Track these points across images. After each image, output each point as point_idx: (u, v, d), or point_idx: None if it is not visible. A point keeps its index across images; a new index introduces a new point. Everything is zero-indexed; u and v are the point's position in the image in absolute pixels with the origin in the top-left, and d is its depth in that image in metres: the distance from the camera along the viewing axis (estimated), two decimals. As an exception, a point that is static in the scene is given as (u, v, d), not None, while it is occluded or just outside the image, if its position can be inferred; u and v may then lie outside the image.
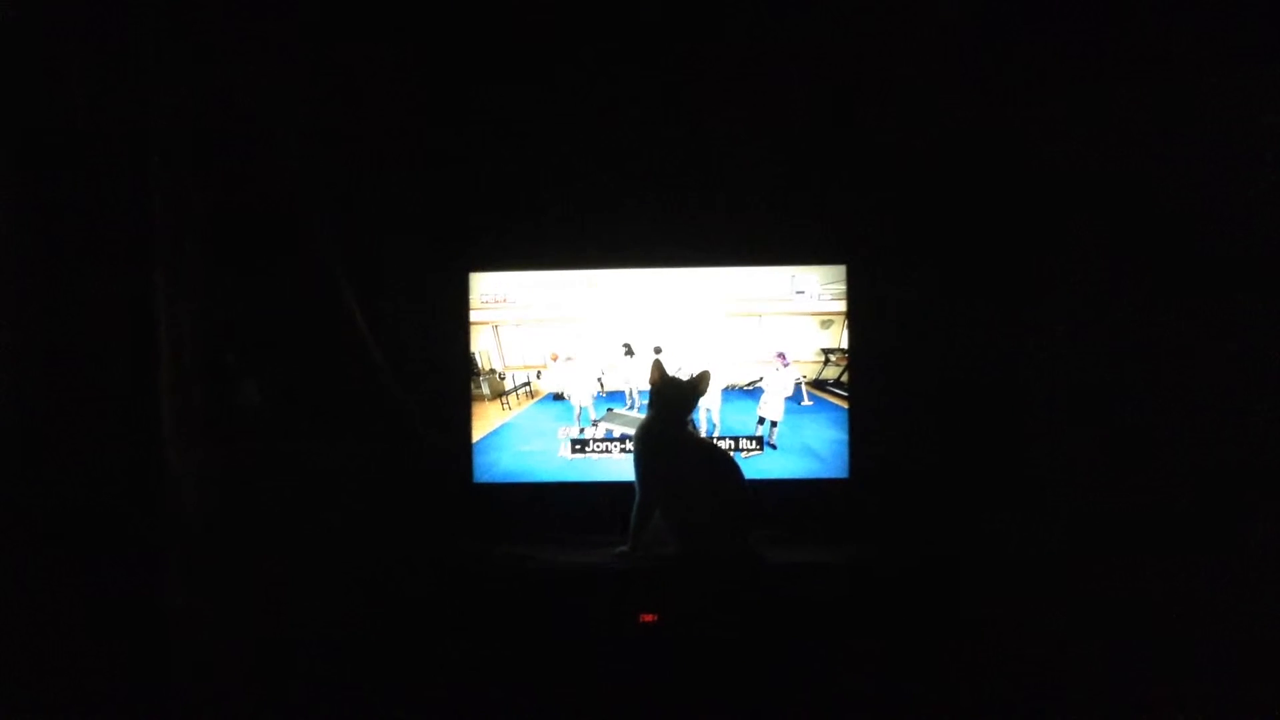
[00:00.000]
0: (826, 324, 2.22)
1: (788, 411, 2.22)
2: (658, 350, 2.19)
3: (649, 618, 1.94)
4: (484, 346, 2.23)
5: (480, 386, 2.23)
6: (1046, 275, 2.11)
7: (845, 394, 2.21)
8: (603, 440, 2.23)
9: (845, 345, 2.21)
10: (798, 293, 2.22)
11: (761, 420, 2.23)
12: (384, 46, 2.17)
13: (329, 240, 1.97)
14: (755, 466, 2.20)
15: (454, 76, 2.28)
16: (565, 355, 2.23)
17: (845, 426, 2.21)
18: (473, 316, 2.22)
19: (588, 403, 2.23)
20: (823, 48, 2.27)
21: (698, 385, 2.02)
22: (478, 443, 2.22)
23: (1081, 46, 2.05)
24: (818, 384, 2.23)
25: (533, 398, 2.24)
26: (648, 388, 2.04)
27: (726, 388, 2.22)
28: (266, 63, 1.88)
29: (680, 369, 2.10)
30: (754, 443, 2.23)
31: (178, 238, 1.63)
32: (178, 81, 1.64)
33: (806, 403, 2.22)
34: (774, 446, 2.22)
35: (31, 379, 1.48)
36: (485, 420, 2.23)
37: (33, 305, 1.48)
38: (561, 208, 2.31)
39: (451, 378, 2.23)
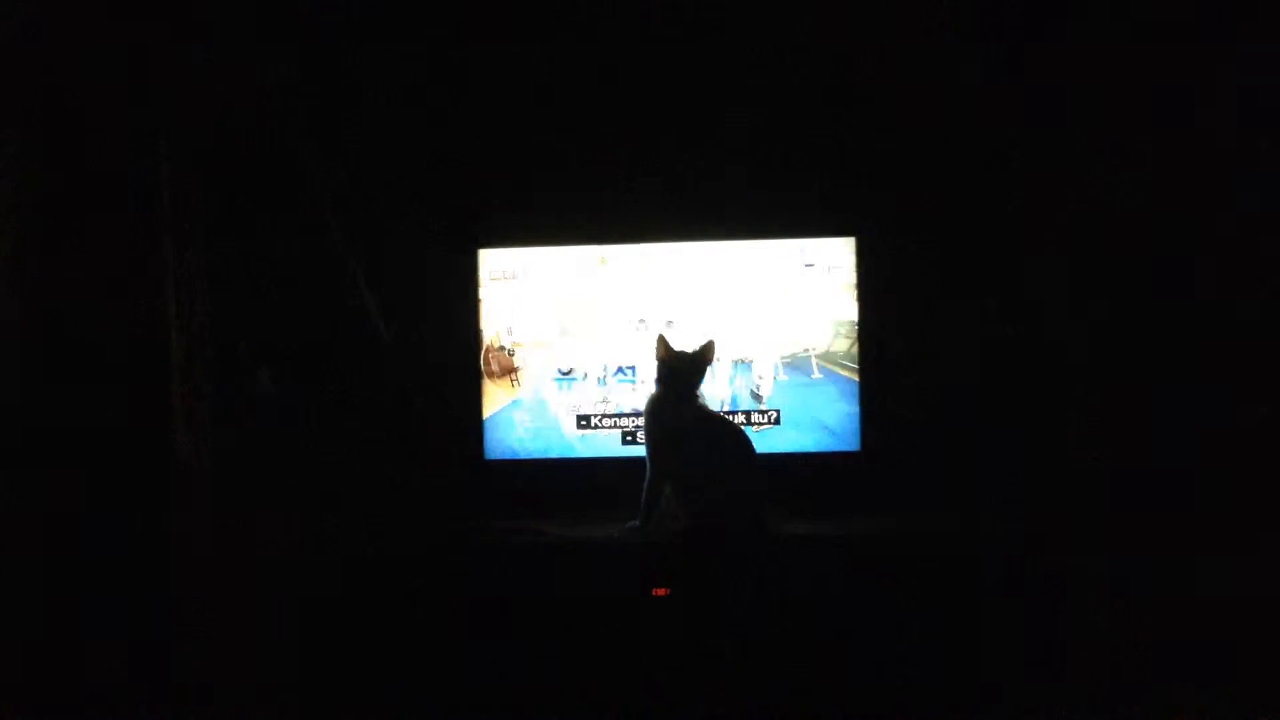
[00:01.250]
0: (837, 296, 2.20)
1: (797, 385, 2.22)
2: (670, 323, 2.19)
3: (661, 592, 1.95)
4: (493, 322, 2.23)
5: (489, 363, 2.23)
6: (1056, 250, 2.10)
7: (856, 367, 2.20)
8: (611, 415, 2.23)
9: (855, 318, 2.20)
10: (807, 265, 2.20)
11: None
12: (387, 20, 2.15)
13: (337, 218, 1.97)
14: (766, 440, 2.20)
15: (459, 49, 2.26)
16: (572, 331, 2.23)
17: (856, 400, 2.20)
18: (481, 292, 2.22)
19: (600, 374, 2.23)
20: (833, 18, 2.25)
21: (703, 355, 2.02)
22: (488, 419, 2.23)
23: (1086, 21, 2.03)
24: (828, 357, 2.22)
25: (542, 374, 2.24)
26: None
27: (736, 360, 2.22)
28: (270, 41, 1.87)
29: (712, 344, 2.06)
30: (765, 416, 2.23)
31: (186, 221, 1.63)
32: (184, 63, 1.63)
33: (817, 376, 2.22)
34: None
35: (43, 362, 1.49)
36: (495, 397, 2.23)
37: (44, 290, 1.49)
38: (571, 183, 2.29)
39: (461, 355, 2.23)
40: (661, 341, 2.01)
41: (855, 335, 2.20)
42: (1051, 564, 2.04)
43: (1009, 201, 2.17)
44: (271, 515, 1.84)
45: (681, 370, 2.01)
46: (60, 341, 1.51)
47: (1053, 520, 2.08)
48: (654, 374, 2.04)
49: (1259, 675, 1.80)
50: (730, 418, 2.18)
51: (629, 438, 2.22)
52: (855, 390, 2.20)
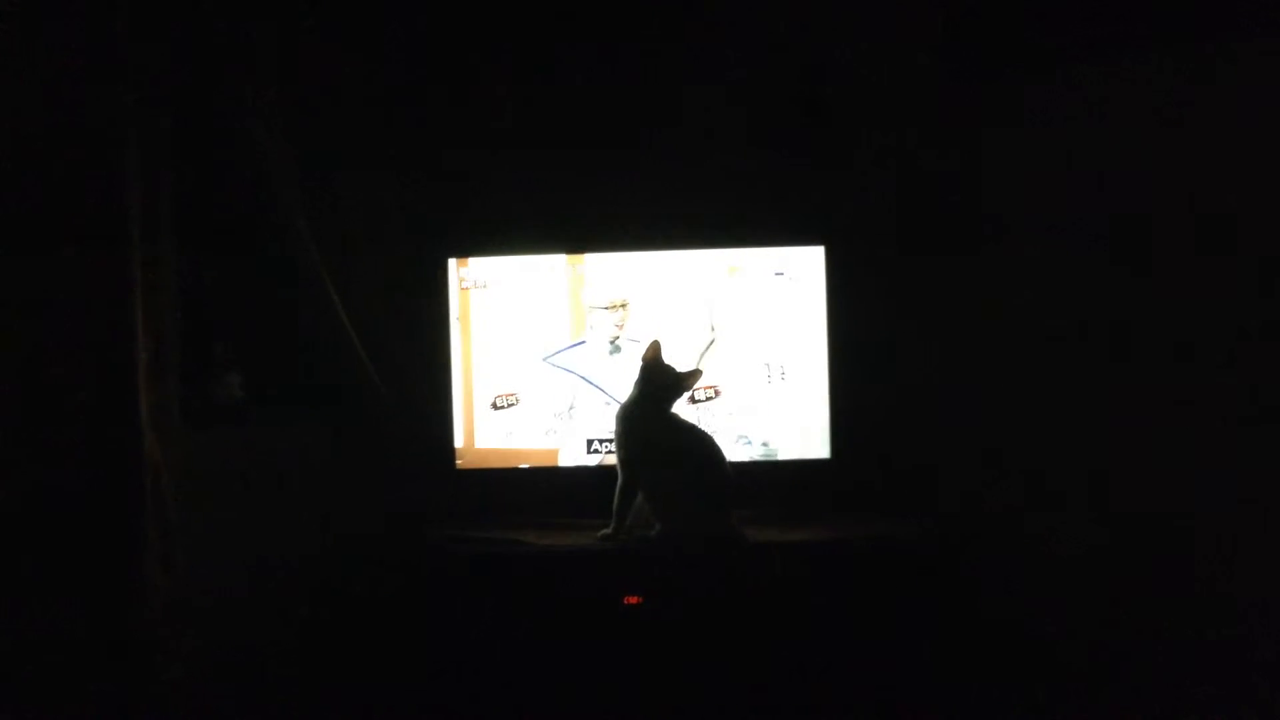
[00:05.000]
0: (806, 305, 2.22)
1: (767, 391, 2.23)
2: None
3: (633, 600, 1.95)
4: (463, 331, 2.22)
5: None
6: (1026, 257, 2.13)
7: (825, 374, 2.21)
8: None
9: (825, 326, 2.21)
10: (777, 274, 2.22)
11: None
12: (355, 20, 2.16)
13: (305, 225, 1.96)
14: (736, 447, 2.21)
15: (428, 50, 2.27)
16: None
17: (825, 407, 2.21)
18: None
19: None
20: (801, 29, 2.28)
21: (685, 379, 2.02)
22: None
23: (1059, 28, 2.07)
24: (797, 364, 2.23)
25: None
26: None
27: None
28: (237, 45, 1.86)
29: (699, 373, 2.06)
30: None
31: (153, 226, 1.62)
32: (152, 65, 1.62)
33: (786, 383, 2.23)
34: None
35: (8, 369, 1.47)
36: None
37: (8, 296, 1.47)
38: (540, 191, 2.30)
39: (433, 363, 2.21)
40: (654, 346, 2.02)
41: (825, 343, 2.21)
42: (1019, 566, 2.07)
43: (981, 210, 2.20)
44: (244, 521, 1.82)
45: (664, 383, 2.01)
46: (22, 345, 1.49)
47: (1019, 524, 2.11)
48: (634, 377, 2.03)
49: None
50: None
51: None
52: (825, 397, 2.21)
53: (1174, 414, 1.93)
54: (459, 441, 2.21)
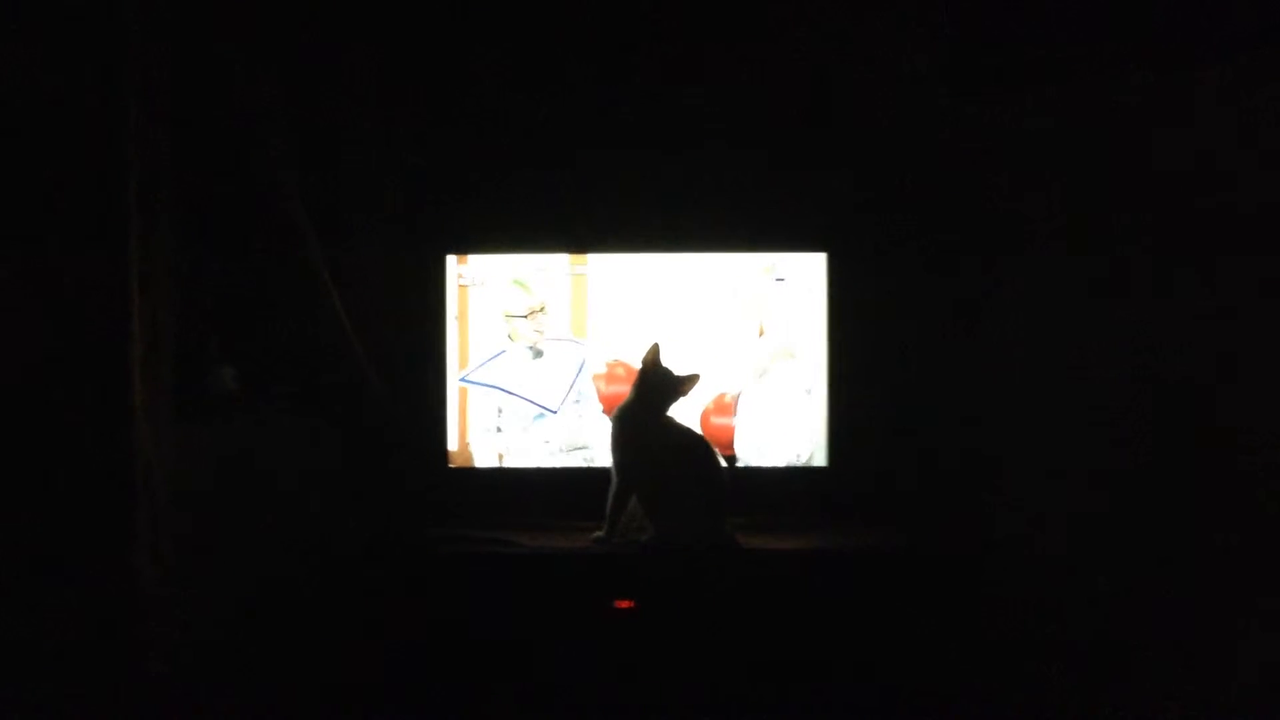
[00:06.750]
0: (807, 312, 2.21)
1: (766, 399, 2.22)
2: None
3: (625, 604, 1.94)
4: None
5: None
6: (1030, 265, 2.13)
7: (824, 382, 2.20)
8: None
9: (825, 334, 2.20)
10: (778, 280, 2.21)
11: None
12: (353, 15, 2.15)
13: (303, 219, 1.95)
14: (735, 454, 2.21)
15: (428, 48, 2.26)
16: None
17: (824, 415, 2.21)
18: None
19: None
20: (804, 34, 2.28)
21: (684, 383, 2.01)
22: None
23: (1062, 38, 2.07)
24: (796, 371, 2.22)
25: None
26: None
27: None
28: (238, 41, 1.86)
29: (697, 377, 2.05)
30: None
31: (151, 220, 1.61)
32: (153, 59, 1.61)
33: (784, 390, 2.22)
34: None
35: (3, 361, 1.47)
36: (462, 405, 2.22)
37: (4, 288, 1.47)
38: (541, 191, 2.29)
39: (428, 362, 2.21)
40: (654, 350, 2.01)
41: (825, 350, 2.20)
42: (1014, 575, 2.07)
43: (983, 219, 2.19)
44: (230, 519, 1.81)
45: (661, 386, 2.00)
46: (17, 337, 1.48)
47: (1018, 537, 2.11)
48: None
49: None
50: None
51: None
52: (823, 406, 2.21)
53: (1175, 419, 1.93)
54: (454, 441, 2.21)
